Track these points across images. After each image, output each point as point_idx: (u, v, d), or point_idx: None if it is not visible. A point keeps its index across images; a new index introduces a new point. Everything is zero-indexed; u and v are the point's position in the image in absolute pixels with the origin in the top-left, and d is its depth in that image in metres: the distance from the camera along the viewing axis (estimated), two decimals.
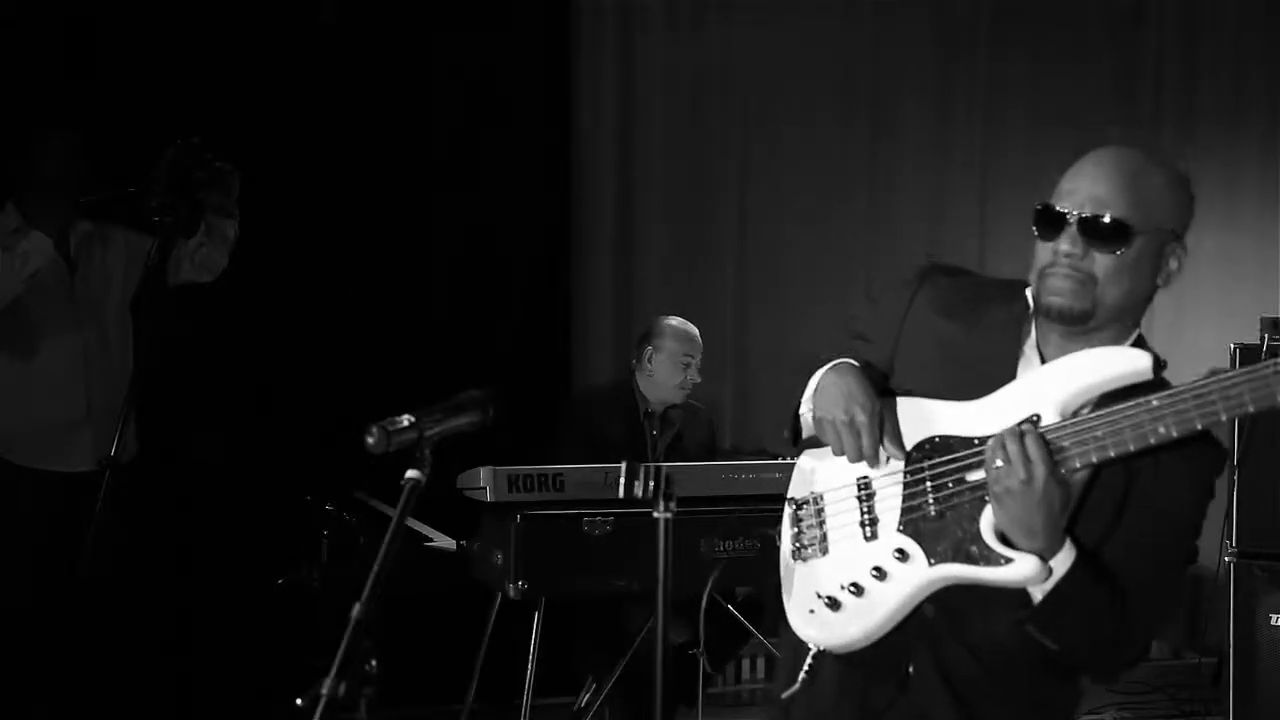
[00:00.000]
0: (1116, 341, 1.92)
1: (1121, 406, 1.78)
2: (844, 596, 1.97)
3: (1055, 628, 1.87)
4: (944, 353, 2.01)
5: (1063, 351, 1.93)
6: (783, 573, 2.11)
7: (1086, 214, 1.86)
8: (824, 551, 2.03)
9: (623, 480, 2.42)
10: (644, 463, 2.47)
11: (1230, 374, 1.74)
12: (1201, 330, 5.66)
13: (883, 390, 2.02)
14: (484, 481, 3.76)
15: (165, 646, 4.29)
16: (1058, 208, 1.89)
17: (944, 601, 1.92)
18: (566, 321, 5.28)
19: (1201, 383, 1.74)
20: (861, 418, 1.93)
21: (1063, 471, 1.80)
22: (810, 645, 2.00)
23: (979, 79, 5.64)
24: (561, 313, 5.25)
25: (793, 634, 2.05)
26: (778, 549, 2.15)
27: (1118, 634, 1.90)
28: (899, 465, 1.96)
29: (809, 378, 2.08)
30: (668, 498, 2.41)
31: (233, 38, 4.55)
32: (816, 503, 2.07)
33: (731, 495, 3.92)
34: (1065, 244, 1.87)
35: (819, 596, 1.99)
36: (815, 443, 2.08)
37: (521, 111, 5.07)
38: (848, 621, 1.96)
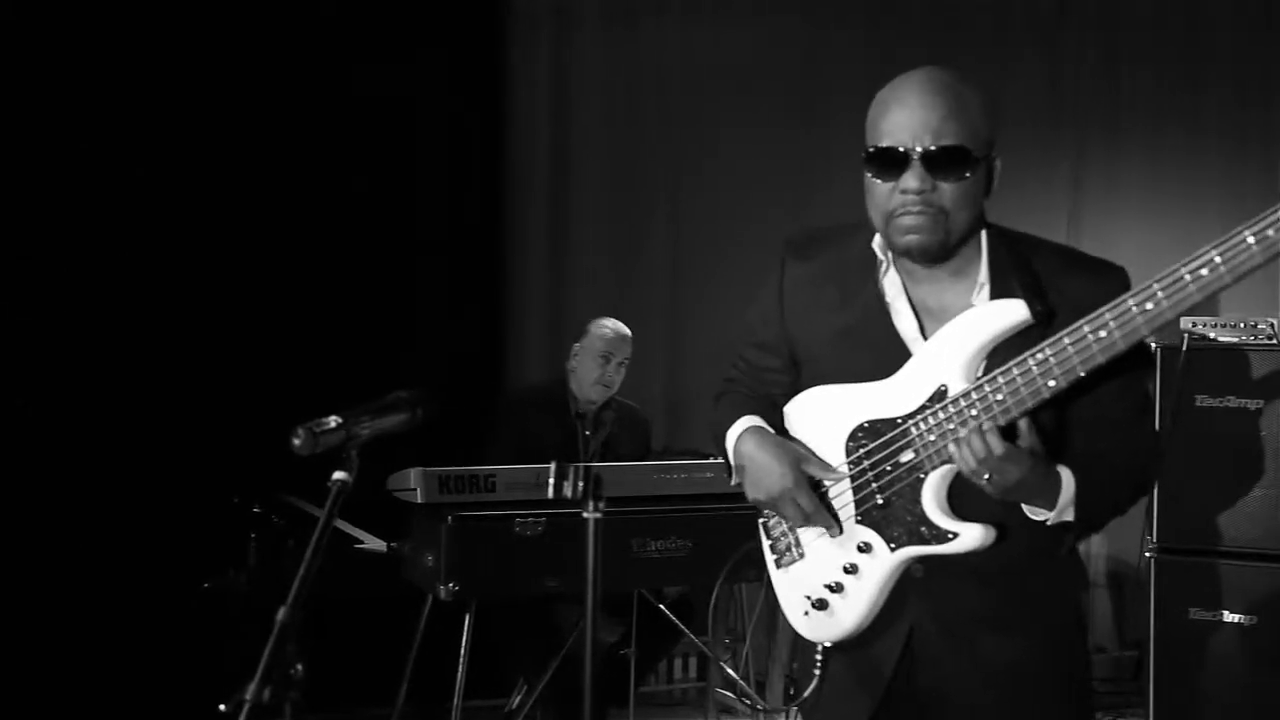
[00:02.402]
0: (970, 263, 1.98)
1: (1016, 363, 1.84)
2: (828, 595, 2.06)
3: (1097, 523, 2.01)
4: (830, 335, 2.06)
5: (927, 287, 1.99)
6: (773, 583, 2.19)
7: (928, 147, 1.88)
8: (801, 556, 2.11)
9: (552, 481, 2.43)
10: (574, 463, 2.46)
11: (1098, 314, 1.78)
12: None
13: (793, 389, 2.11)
14: (414, 483, 3.74)
15: (88, 651, 4.22)
16: (898, 148, 1.89)
17: (930, 559, 1.98)
18: (500, 321, 5.26)
19: (1077, 328, 1.80)
20: (789, 493, 2.02)
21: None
22: (816, 643, 2.09)
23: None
24: (494, 313, 5.23)
25: (800, 637, 2.13)
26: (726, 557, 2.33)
27: (1138, 475, 2.06)
28: (841, 459, 2.02)
29: (719, 417, 2.17)
30: (597, 498, 2.41)
31: (162, 30, 4.49)
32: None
33: (664, 495, 3.93)
34: (912, 181, 1.89)
35: (807, 599, 2.09)
36: None
37: (455, 111, 5.04)
38: (839, 616, 2.05)
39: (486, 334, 5.20)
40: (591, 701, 2.91)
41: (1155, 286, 1.75)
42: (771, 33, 5.58)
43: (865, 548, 2.01)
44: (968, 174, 1.91)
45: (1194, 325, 4.52)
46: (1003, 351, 1.89)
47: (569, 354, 4.53)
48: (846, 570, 2.03)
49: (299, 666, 1.58)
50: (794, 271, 2.13)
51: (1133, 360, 1.86)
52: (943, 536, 1.93)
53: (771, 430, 2.11)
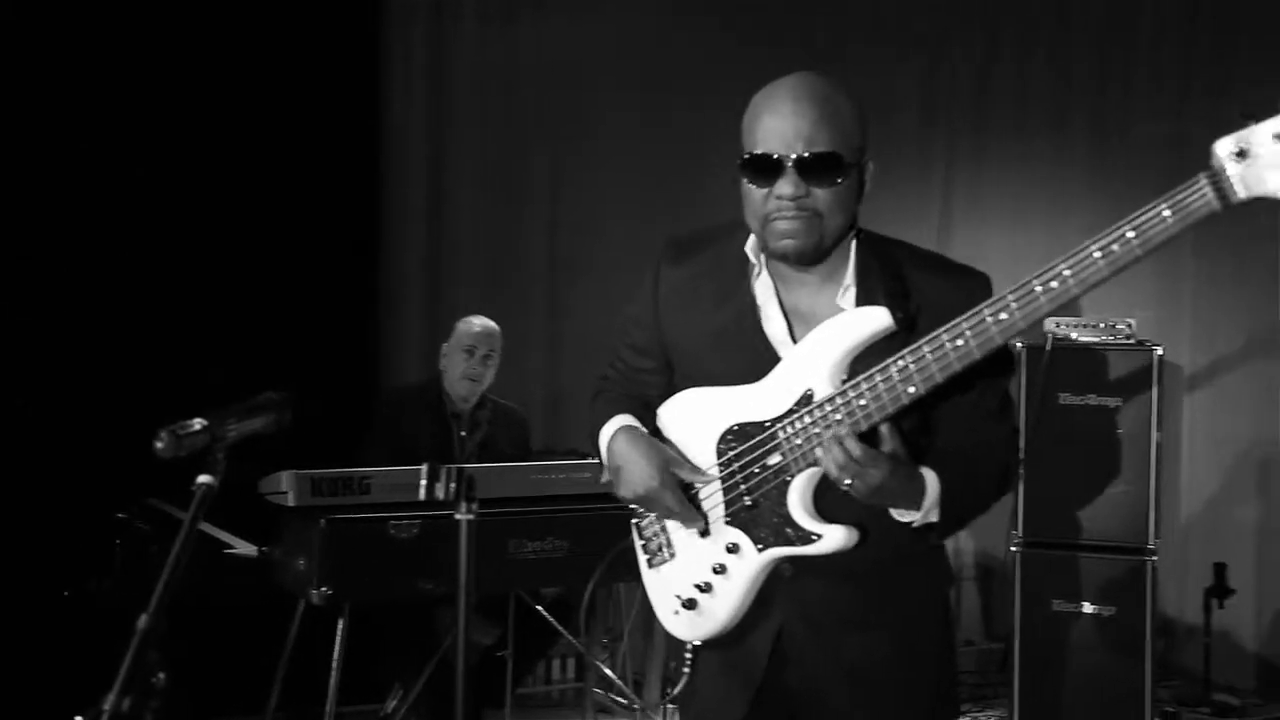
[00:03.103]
0: (839, 267, 2.02)
1: (876, 371, 1.88)
2: (697, 595, 2.08)
3: (961, 523, 2.03)
4: (703, 337, 2.09)
5: (798, 291, 2.03)
6: (644, 582, 2.21)
7: (802, 154, 1.91)
8: (671, 556, 2.13)
9: (424, 482, 2.41)
10: (446, 465, 2.44)
11: (955, 323, 1.84)
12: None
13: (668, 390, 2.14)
14: (286, 485, 3.68)
15: None
16: (772, 155, 1.92)
17: (798, 559, 2.01)
18: (375, 322, 5.19)
19: (935, 336, 1.84)
20: (656, 493, 2.05)
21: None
22: (686, 642, 2.12)
23: (794, 70, 5.75)
24: (370, 313, 5.15)
25: (669, 635, 2.15)
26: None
27: (1000, 473, 2.10)
28: (711, 461, 2.05)
29: (595, 416, 2.19)
30: (469, 499, 2.39)
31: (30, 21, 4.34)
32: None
33: (541, 495, 3.93)
34: (787, 187, 1.92)
35: (678, 598, 2.11)
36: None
37: (329, 106, 4.95)
38: (707, 615, 2.08)
39: (361, 334, 5.13)
40: (467, 704, 2.89)
41: (1009, 297, 1.79)
42: (649, 28, 5.59)
43: (733, 548, 2.03)
44: (840, 179, 1.94)
45: (1057, 325, 4.66)
46: (869, 356, 1.92)
47: (440, 356, 4.51)
48: (715, 570, 2.05)
49: (161, 675, 1.54)
50: (669, 273, 2.15)
51: (994, 362, 1.89)
52: (807, 538, 1.97)
53: (644, 430, 2.13)
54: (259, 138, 4.81)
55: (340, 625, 3.84)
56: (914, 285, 2.00)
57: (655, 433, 2.15)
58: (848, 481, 1.88)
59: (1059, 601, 4.56)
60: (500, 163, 5.43)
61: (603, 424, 2.17)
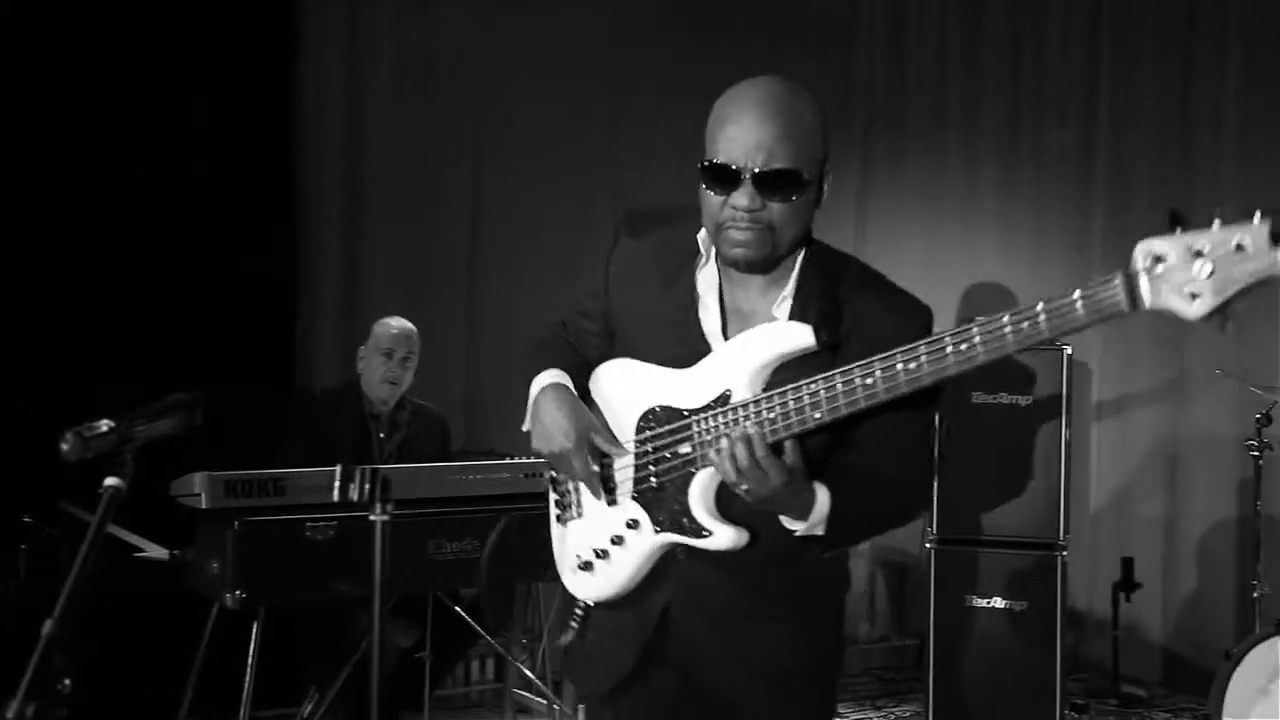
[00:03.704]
0: (785, 274, 2.04)
1: (793, 387, 1.91)
2: (594, 559, 2.15)
3: (848, 542, 2.08)
4: (645, 314, 2.14)
5: (740, 290, 2.07)
6: (552, 534, 2.28)
7: (760, 169, 1.93)
8: (579, 515, 2.20)
9: (337, 484, 2.40)
10: (360, 465, 2.43)
11: (868, 362, 1.86)
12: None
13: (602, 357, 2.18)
14: (199, 487, 3.62)
15: None
16: (731, 165, 1.94)
17: (690, 546, 2.05)
18: (290, 322, 5.12)
19: (848, 370, 1.87)
20: (569, 455, 2.09)
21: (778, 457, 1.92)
22: (578, 598, 2.18)
23: (712, 66, 5.78)
24: (285, 313, 5.08)
25: (565, 590, 2.22)
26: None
27: (899, 506, 2.14)
28: (630, 435, 2.10)
29: (528, 364, 2.21)
30: (384, 500, 2.38)
31: None
32: None
33: (460, 496, 3.91)
34: (743, 199, 1.95)
35: (577, 558, 2.18)
36: None
37: (242, 94, 4.86)
38: (601, 579, 2.15)
39: (277, 335, 5.05)
40: (384, 706, 2.87)
41: (922, 349, 1.82)
42: (571, 17, 5.55)
43: (633, 524, 2.10)
44: (796, 196, 1.96)
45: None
46: (792, 369, 1.96)
47: (357, 358, 4.48)
48: (613, 541, 2.12)
49: (67, 681, 1.51)
50: (625, 246, 2.21)
51: (915, 400, 1.91)
52: (699, 531, 2.02)
53: (573, 390, 2.16)
54: (170, 134, 4.72)
55: (255, 629, 3.79)
56: (850, 308, 2.02)
57: (586, 393, 2.20)
58: (744, 487, 1.92)
59: (972, 597, 4.64)
60: (418, 162, 5.38)
61: (535, 374, 2.19)
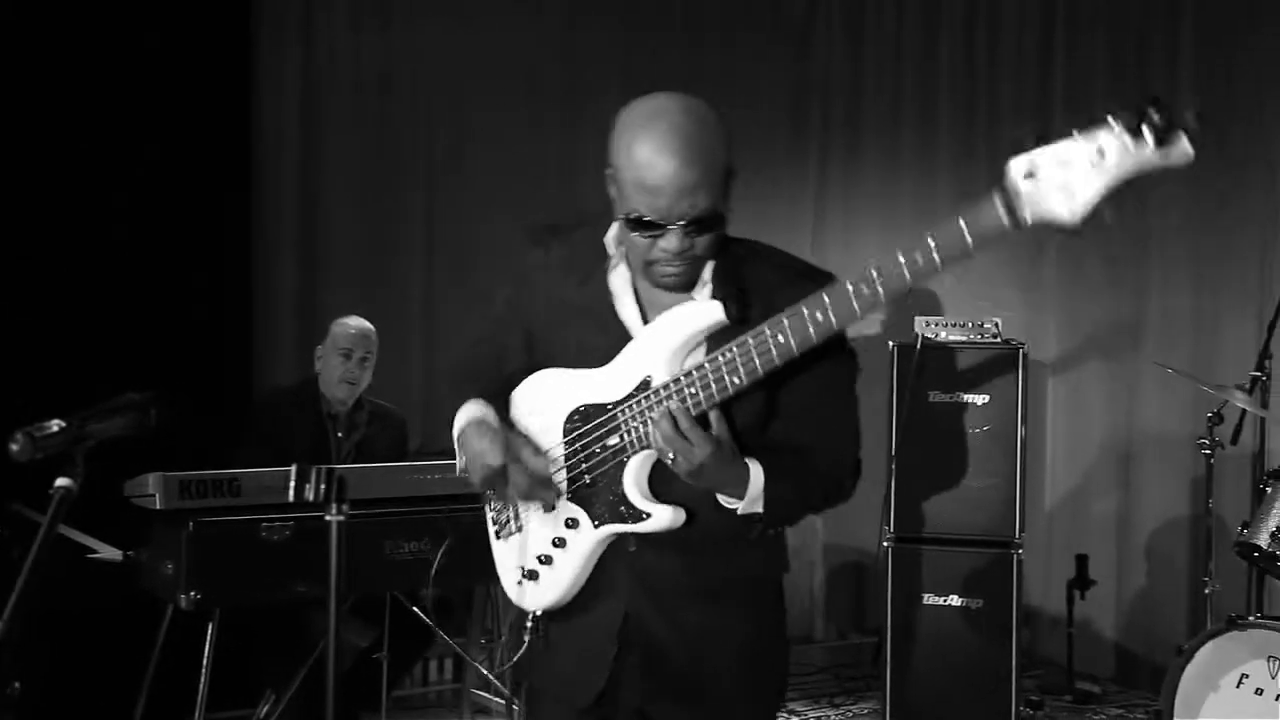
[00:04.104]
0: (701, 275, 2.09)
1: (709, 359, 1.98)
2: (538, 566, 2.18)
3: (787, 519, 2.14)
4: (564, 315, 2.18)
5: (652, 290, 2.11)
6: (494, 553, 2.30)
7: (687, 220, 1.97)
8: (519, 529, 2.23)
9: (292, 484, 2.38)
10: (315, 465, 2.41)
11: (777, 318, 1.93)
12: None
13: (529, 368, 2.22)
14: (153, 488, 3.59)
15: None
16: (657, 220, 1.97)
17: (640, 535, 2.10)
18: (247, 322, 5.08)
19: (759, 330, 1.94)
20: (496, 469, 2.11)
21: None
22: (528, 611, 2.22)
23: (670, 74, 5.81)
24: (242, 313, 5.04)
25: (514, 606, 2.25)
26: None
27: (831, 482, 2.18)
28: (558, 438, 2.14)
29: (449, 399, 2.25)
30: (340, 500, 2.37)
31: None
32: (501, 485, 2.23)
33: (417, 496, 3.89)
34: (672, 243, 2.00)
35: (521, 569, 2.21)
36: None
37: (198, 107, 4.82)
38: (547, 586, 2.18)
39: (233, 334, 5.01)
40: (341, 707, 2.85)
41: (826, 300, 1.88)
42: (525, 29, 5.57)
43: (572, 523, 2.14)
44: (718, 229, 2.03)
45: (926, 324, 4.78)
46: (711, 348, 2.02)
47: (315, 358, 4.46)
48: (555, 544, 2.16)
49: (16, 685, 1.50)
50: (536, 255, 2.26)
51: (837, 365, 2.04)
52: (638, 516, 2.07)
53: (492, 418, 2.20)
54: (128, 136, 4.67)
55: (210, 630, 3.76)
56: (757, 284, 2.08)
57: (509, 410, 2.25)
58: (671, 457, 1.98)
59: (929, 595, 4.67)
60: (374, 163, 5.36)
61: (455, 415, 2.24)
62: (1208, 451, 4.29)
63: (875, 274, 1.84)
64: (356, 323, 4.46)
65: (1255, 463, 4.55)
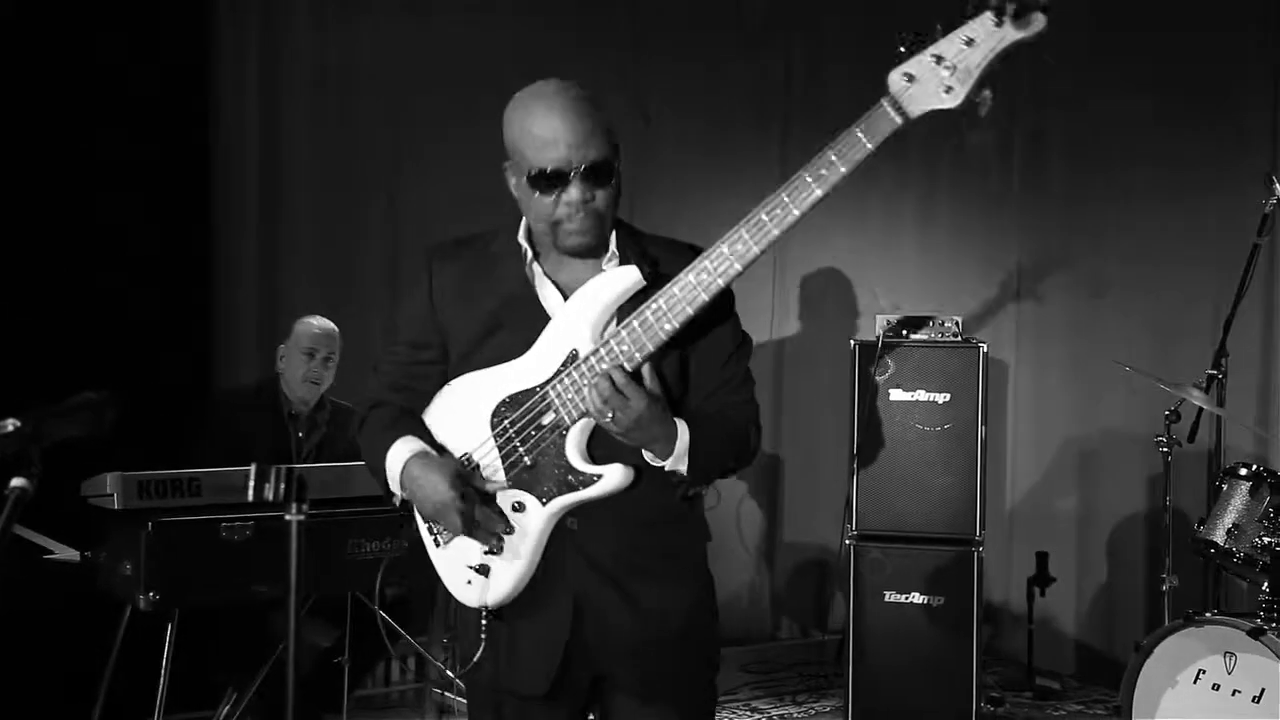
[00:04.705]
0: (601, 246, 2.23)
1: (632, 317, 2.09)
2: (487, 559, 2.21)
3: (707, 475, 2.23)
4: (480, 320, 2.25)
5: (565, 271, 2.23)
6: (433, 561, 2.32)
7: (585, 164, 2.13)
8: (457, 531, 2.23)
9: (251, 483, 2.37)
10: (275, 465, 2.40)
11: (696, 261, 2.06)
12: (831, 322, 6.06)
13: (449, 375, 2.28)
14: (111, 488, 3.55)
15: None
16: (560, 168, 2.12)
17: (583, 511, 2.18)
18: (206, 320, 5.04)
19: (678, 278, 2.07)
20: (450, 505, 2.14)
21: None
22: (479, 609, 2.22)
23: (628, 78, 5.80)
24: (201, 311, 5.00)
25: (463, 609, 2.27)
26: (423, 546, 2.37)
27: (744, 443, 2.28)
28: (487, 434, 2.20)
29: (375, 442, 2.33)
30: (300, 499, 2.36)
31: None
32: None
33: (378, 495, 3.85)
34: (574, 193, 2.14)
35: (469, 568, 2.23)
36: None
37: (157, 106, 4.77)
38: (500, 576, 2.20)
39: (193, 333, 4.97)
40: (303, 707, 2.84)
41: (742, 230, 2.03)
42: (484, 27, 5.56)
43: (519, 507, 2.19)
44: (613, 181, 2.19)
45: (887, 323, 4.80)
46: (623, 317, 2.12)
47: (277, 357, 4.42)
48: (506, 532, 2.19)
49: None
50: (440, 270, 2.33)
51: (736, 338, 2.24)
52: (588, 480, 2.14)
53: (429, 448, 2.25)
54: (86, 133, 4.62)
55: (169, 631, 3.73)
56: (657, 257, 2.23)
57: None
58: (609, 415, 2.05)
59: (891, 593, 4.69)
60: (336, 161, 5.34)
61: (385, 449, 2.28)
62: (1165, 449, 4.33)
63: (786, 196, 1.99)
64: (320, 322, 4.44)
65: (1211, 460, 4.60)
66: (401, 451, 2.25)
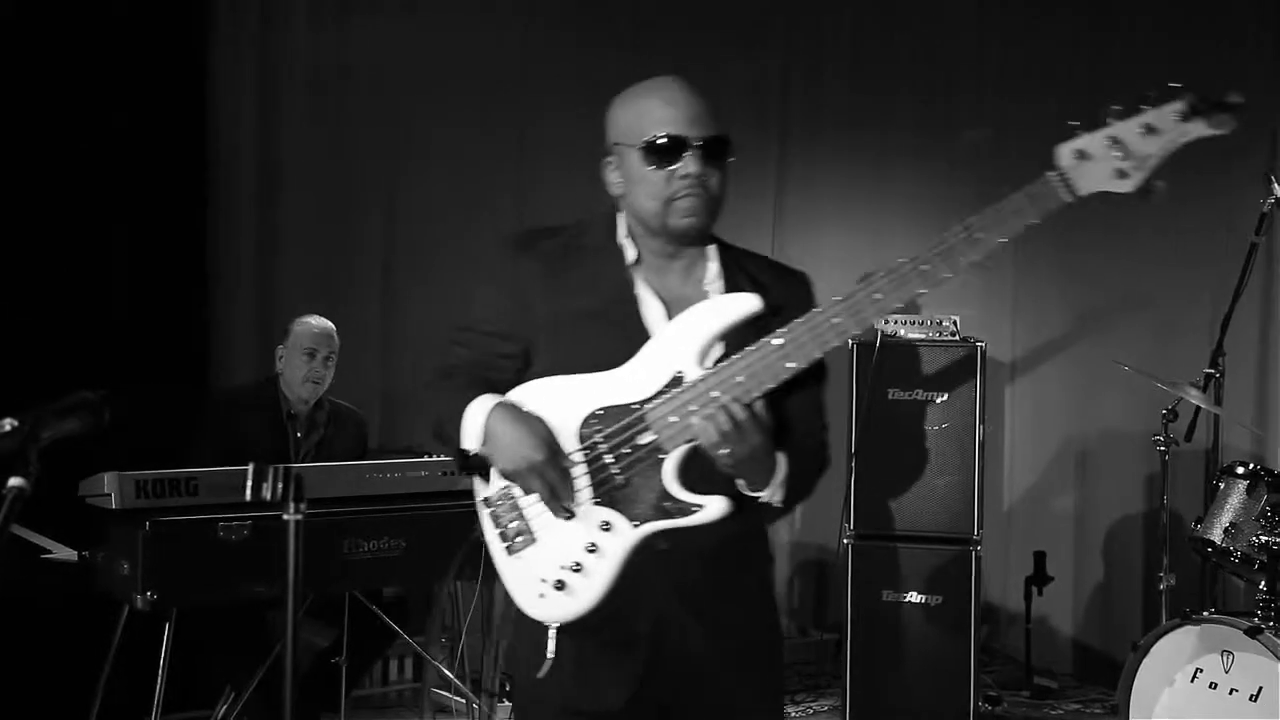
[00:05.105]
0: (697, 261, 2.17)
1: (753, 349, 2.00)
2: (567, 576, 2.10)
3: (796, 503, 2.17)
4: (575, 319, 2.14)
5: (662, 279, 2.16)
6: (500, 570, 2.19)
7: (704, 135, 2.07)
8: (533, 540, 2.14)
9: (250, 483, 2.36)
10: (273, 464, 2.39)
11: (833, 302, 1.98)
12: None
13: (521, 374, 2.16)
14: (109, 487, 3.55)
15: None
16: (679, 135, 2.06)
17: (672, 533, 2.07)
18: (204, 320, 5.03)
19: (812, 315, 1.99)
20: (539, 466, 2.05)
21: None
22: (548, 624, 2.12)
23: (624, 77, 5.78)
24: (198, 311, 5.00)
25: (527, 621, 2.15)
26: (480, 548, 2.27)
27: (817, 461, 2.24)
28: (573, 444, 2.09)
29: (451, 398, 2.17)
30: (298, 499, 2.35)
31: None
32: (509, 497, 2.16)
33: (377, 495, 3.87)
34: (692, 166, 2.07)
35: (544, 581, 2.12)
36: (482, 462, 2.15)
37: (155, 105, 4.76)
38: (578, 595, 2.10)
39: (190, 332, 4.96)
40: (300, 708, 2.83)
41: (881, 279, 1.96)
42: (482, 28, 5.56)
43: (606, 527, 2.08)
44: (730, 159, 2.11)
45: (885, 322, 4.80)
46: (729, 341, 2.04)
47: (275, 357, 4.42)
48: (589, 550, 2.09)
49: None
50: (530, 264, 2.19)
51: (818, 369, 2.08)
52: (687, 510, 2.04)
53: (524, 408, 2.13)
54: (82, 133, 4.61)
55: (167, 631, 3.73)
56: (765, 284, 2.15)
57: None
58: (724, 450, 1.97)
59: (888, 592, 4.70)
60: (332, 160, 5.33)
61: (464, 403, 2.14)
62: (1163, 448, 4.34)
63: (935, 254, 1.93)
64: (319, 322, 4.43)
65: (1209, 459, 4.61)
66: (486, 402, 2.12)
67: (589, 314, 2.13)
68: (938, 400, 4.72)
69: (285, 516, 2.37)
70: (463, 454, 2.15)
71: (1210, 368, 4.46)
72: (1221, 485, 3.99)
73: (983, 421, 4.69)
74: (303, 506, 2.36)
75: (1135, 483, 5.61)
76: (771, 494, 2.10)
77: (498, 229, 5.50)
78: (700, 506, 2.04)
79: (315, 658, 4.16)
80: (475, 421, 2.12)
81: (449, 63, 5.47)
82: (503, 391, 2.16)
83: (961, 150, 6.13)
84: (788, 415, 2.12)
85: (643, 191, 2.11)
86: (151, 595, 3.52)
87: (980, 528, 4.66)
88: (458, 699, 4.63)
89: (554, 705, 2.16)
